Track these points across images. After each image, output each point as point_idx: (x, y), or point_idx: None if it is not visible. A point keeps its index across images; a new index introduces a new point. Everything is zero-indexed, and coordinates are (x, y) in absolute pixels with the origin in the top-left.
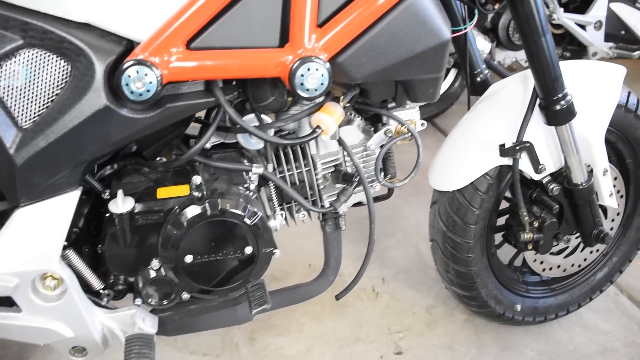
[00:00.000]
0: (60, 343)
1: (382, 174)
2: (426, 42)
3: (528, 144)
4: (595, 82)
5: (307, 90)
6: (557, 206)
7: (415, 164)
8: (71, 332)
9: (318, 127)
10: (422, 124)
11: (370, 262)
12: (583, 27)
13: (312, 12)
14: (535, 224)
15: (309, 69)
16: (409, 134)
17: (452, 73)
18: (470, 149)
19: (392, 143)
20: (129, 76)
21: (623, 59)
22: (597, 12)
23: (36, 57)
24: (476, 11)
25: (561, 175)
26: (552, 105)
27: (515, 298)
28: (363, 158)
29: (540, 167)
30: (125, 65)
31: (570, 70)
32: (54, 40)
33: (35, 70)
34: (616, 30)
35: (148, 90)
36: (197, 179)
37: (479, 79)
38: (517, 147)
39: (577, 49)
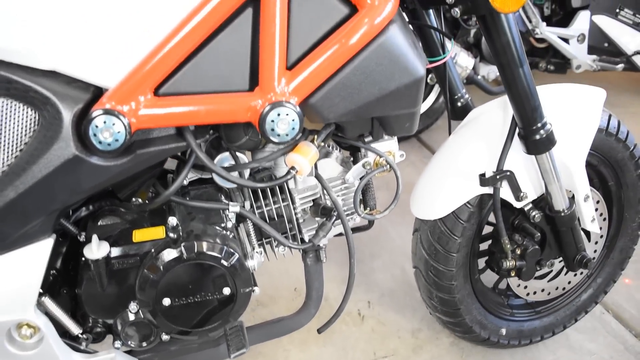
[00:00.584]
0: None
1: (362, 206)
2: (400, 79)
3: (508, 173)
4: (575, 107)
5: (278, 135)
6: (539, 234)
7: (395, 195)
8: None
9: (292, 167)
10: (401, 155)
11: (356, 285)
12: (566, 40)
13: (280, 55)
14: (518, 252)
15: (279, 114)
16: (388, 165)
17: (435, 90)
18: (451, 178)
19: (370, 176)
20: (97, 126)
21: (607, 71)
22: (580, 25)
23: (2, 106)
24: (452, 41)
25: (543, 201)
26: (532, 135)
27: (500, 322)
28: (342, 191)
29: (522, 194)
30: (93, 115)
31: (549, 95)
32: (20, 90)
33: (1, 120)
34: (599, 43)
35: (117, 140)
36: (172, 220)
37: (459, 104)
38: (497, 177)
39: (560, 62)
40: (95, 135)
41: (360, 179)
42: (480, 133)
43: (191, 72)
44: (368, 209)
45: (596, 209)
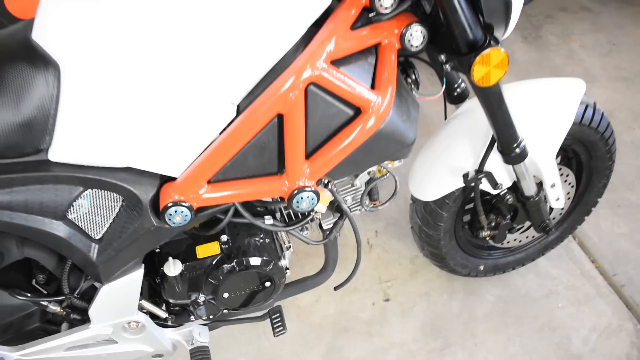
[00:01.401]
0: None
1: (368, 198)
2: (395, 148)
3: (487, 173)
4: (550, 107)
5: (302, 208)
6: (511, 214)
7: (393, 193)
8: (151, 348)
9: (312, 210)
10: (399, 161)
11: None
12: None
13: (301, 149)
14: (493, 224)
15: (302, 197)
16: (388, 173)
17: None
18: (441, 170)
19: (374, 184)
20: (170, 215)
21: None
22: None
23: (95, 194)
24: (444, 79)
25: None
26: (509, 152)
27: (479, 261)
28: (351, 191)
29: (498, 185)
30: (167, 206)
31: (527, 92)
32: (105, 183)
33: (95, 203)
34: None
35: (185, 219)
36: (224, 237)
37: (456, 93)
38: (478, 177)
39: None
40: (170, 219)
41: (366, 183)
42: (468, 131)
43: (236, 164)
44: (372, 202)
45: (565, 180)
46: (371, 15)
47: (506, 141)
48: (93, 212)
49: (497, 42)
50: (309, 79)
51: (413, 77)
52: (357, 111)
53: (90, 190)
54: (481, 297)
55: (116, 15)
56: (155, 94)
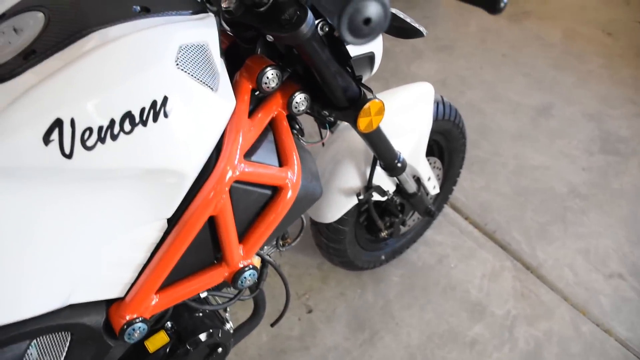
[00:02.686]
0: None
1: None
2: (309, 204)
3: (376, 186)
4: (411, 114)
5: (247, 285)
6: (401, 214)
7: (301, 229)
8: None
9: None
10: None
11: None
12: None
13: (233, 238)
14: (388, 224)
15: (245, 277)
16: None
17: None
18: (334, 195)
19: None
20: (129, 334)
21: None
22: None
23: (42, 340)
24: (328, 129)
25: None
26: (392, 168)
27: (380, 253)
28: None
29: (386, 193)
30: (123, 328)
31: (389, 107)
32: (50, 328)
33: (44, 348)
34: None
35: (143, 332)
36: (168, 324)
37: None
38: (369, 192)
39: None
40: (129, 338)
41: None
42: (349, 155)
43: (178, 268)
44: (284, 241)
45: (434, 167)
46: (257, 93)
47: (388, 161)
48: (44, 356)
49: (371, 92)
50: (231, 180)
51: (297, 127)
52: (275, 189)
53: (36, 340)
54: (388, 281)
55: None
56: (85, 228)
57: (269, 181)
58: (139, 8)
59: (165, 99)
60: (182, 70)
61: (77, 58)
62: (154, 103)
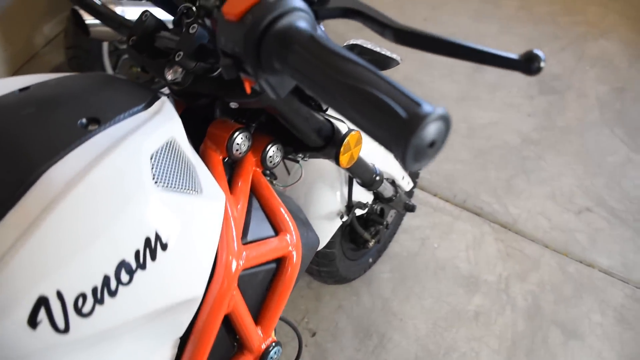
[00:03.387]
0: None
1: None
2: (312, 255)
3: (356, 202)
4: None
5: None
6: (385, 221)
7: None
8: None
9: None
10: None
11: None
12: None
13: (250, 326)
14: (373, 232)
15: (270, 357)
16: None
17: None
18: (318, 222)
19: None
20: None
21: None
22: None
23: None
24: (301, 167)
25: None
26: (371, 184)
27: (367, 258)
28: None
29: (366, 205)
30: None
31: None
32: None
33: None
34: None
35: None
36: None
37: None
38: (352, 210)
39: None
40: None
41: None
42: (323, 179)
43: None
44: None
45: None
46: (226, 160)
47: (367, 179)
48: None
49: (342, 121)
50: (237, 273)
51: (268, 172)
52: (279, 262)
53: None
54: (379, 280)
55: None
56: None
57: (273, 256)
58: (85, 121)
59: (158, 231)
60: (162, 186)
61: (37, 218)
62: (148, 241)
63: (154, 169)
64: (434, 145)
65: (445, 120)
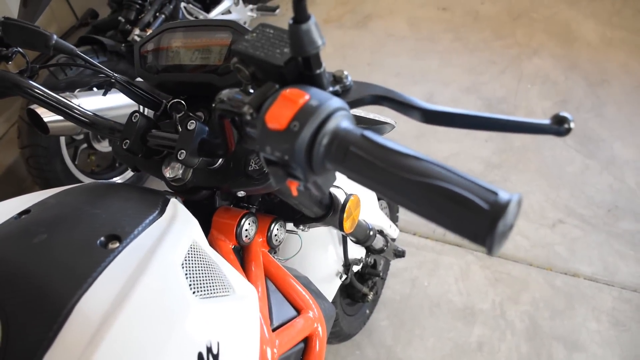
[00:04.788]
0: None
1: None
2: (330, 328)
3: (352, 260)
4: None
5: None
6: (380, 272)
7: None
8: None
9: None
10: None
11: None
12: (228, 11)
13: None
14: (371, 285)
15: None
16: None
17: None
18: (318, 285)
19: None
20: None
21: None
22: None
23: None
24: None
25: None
26: (366, 240)
27: (364, 309)
28: None
29: (361, 260)
30: None
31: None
32: None
33: None
34: None
35: None
36: None
37: None
38: (350, 269)
39: None
40: None
41: None
42: (316, 240)
43: None
44: None
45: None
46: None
47: (362, 237)
48: None
49: (339, 187)
50: None
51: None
52: (306, 338)
53: None
54: (378, 328)
55: None
56: None
57: (302, 336)
58: (103, 239)
59: (208, 344)
60: (200, 296)
61: (82, 356)
62: (200, 356)
63: (188, 279)
64: (512, 227)
65: (520, 203)
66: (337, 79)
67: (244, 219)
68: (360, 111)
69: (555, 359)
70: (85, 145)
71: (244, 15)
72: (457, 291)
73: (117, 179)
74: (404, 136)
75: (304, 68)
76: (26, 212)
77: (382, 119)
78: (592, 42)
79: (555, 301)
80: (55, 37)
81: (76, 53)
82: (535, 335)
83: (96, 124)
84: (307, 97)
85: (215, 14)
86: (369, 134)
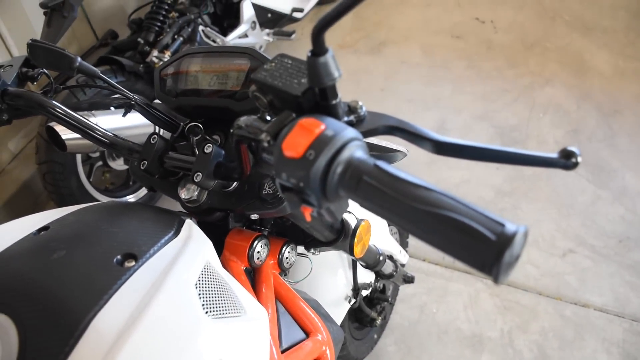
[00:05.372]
0: None
1: None
2: (338, 351)
3: (361, 284)
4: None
5: None
6: (389, 298)
7: None
8: None
9: None
10: None
11: None
12: (245, 35)
13: None
14: (379, 309)
15: None
16: None
17: None
18: (330, 308)
19: None
20: None
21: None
22: (247, 14)
23: None
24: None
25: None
26: (376, 264)
27: (372, 334)
28: None
29: (370, 284)
30: None
31: None
32: None
33: None
34: (264, 18)
35: None
36: None
37: None
38: (359, 293)
39: None
40: None
41: None
42: (325, 264)
43: None
44: None
45: (394, 233)
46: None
47: (372, 262)
48: None
49: (351, 213)
50: None
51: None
52: None
53: None
54: (386, 354)
55: None
56: None
57: (310, 359)
58: (120, 257)
59: None
60: (213, 316)
61: None
62: None
63: (201, 299)
64: (518, 257)
65: (526, 235)
66: (351, 109)
67: (256, 241)
68: (373, 139)
69: None
70: (100, 163)
71: (260, 39)
72: (466, 318)
73: (131, 197)
74: (415, 162)
75: (320, 98)
76: (45, 228)
77: (394, 147)
78: (604, 72)
79: (564, 331)
80: (79, 59)
81: (99, 75)
82: None
83: (115, 145)
84: (322, 127)
85: (232, 37)
86: (382, 164)
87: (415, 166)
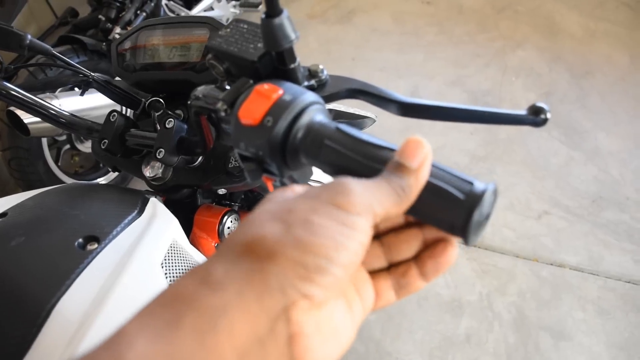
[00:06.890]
0: None
1: None
2: None
3: None
4: None
5: None
6: None
7: None
8: None
9: None
10: None
11: None
12: (211, 8)
13: None
14: None
15: None
16: None
17: None
18: None
19: None
20: None
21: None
22: None
23: None
24: None
25: None
26: None
27: None
28: None
29: None
30: None
31: None
32: None
33: None
34: None
35: None
36: None
37: None
38: None
39: None
40: None
41: None
42: None
43: None
44: None
45: None
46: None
47: None
48: None
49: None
50: None
51: None
52: None
53: None
54: (366, 323)
55: None
56: None
57: None
58: (81, 240)
59: None
60: None
61: (63, 355)
62: None
63: (168, 279)
64: (489, 217)
65: (496, 193)
66: (312, 74)
67: (226, 217)
68: (340, 106)
69: (542, 348)
70: (68, 146)
71: (226, 11)
72: (445, 284)
73: (101, 180)
74: (389, 130)
75: (278, 63)
76: (3, 215)
77: (362, 113)
78: (575, 34)
79: (541, 291)
80: (29, 36)
81: (51, 53)
82: (522, 326)
83: (73, 124)
84: (280, 91)
85: (197, 10)
86: (344, 127)
87: (389, 134)
